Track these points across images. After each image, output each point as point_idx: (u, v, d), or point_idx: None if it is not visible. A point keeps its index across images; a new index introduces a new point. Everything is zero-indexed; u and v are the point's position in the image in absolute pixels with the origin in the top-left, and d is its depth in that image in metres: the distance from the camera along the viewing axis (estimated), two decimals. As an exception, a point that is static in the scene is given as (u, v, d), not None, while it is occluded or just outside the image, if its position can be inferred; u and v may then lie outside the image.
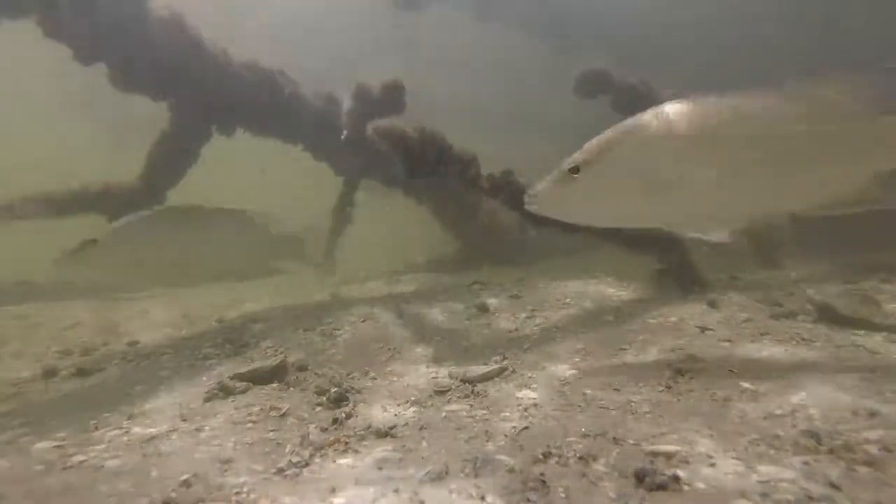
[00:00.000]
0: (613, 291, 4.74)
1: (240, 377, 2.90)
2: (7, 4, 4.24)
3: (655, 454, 1.81)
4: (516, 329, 3.84)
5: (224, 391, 2.76)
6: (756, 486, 1.59)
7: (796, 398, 2.28)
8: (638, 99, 6.10)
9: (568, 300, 4.49)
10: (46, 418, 2.65)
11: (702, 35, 9.50)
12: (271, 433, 2.23)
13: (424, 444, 2.03)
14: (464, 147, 4.54)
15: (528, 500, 1.55)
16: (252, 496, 1.68)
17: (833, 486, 1.57)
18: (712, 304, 4.03)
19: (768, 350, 3.00)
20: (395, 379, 2.96)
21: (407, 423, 2.26)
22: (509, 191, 4.49)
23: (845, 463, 1.71)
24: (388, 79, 5.55)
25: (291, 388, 2.83)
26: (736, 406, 2.24)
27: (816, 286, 4.57)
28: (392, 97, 5.51)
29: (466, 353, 3.34)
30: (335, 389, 2.64)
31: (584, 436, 2.00)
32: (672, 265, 4.78)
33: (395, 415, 2.39)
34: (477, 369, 2.89)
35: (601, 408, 2.31)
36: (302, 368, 3.14)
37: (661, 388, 2.51)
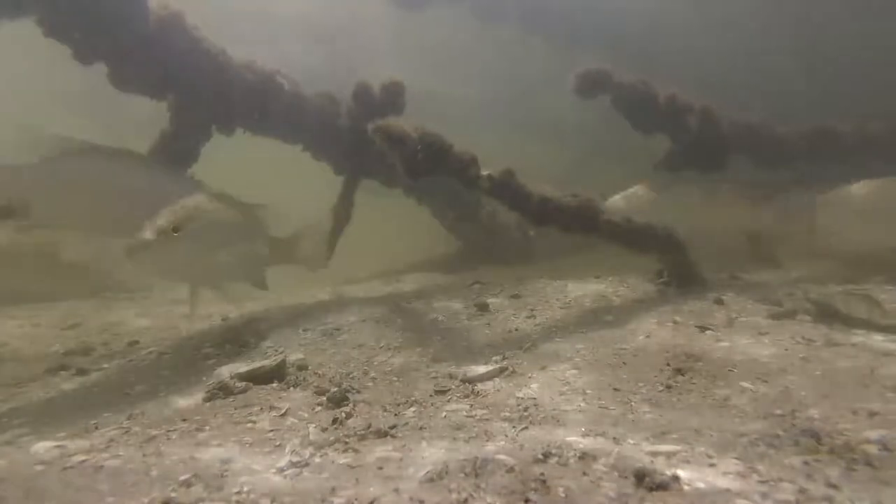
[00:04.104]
0: (613, 291, 4.74)
1: (240, 377, 2.90)
2: (7, 4, 4.24)
3: (655, 454, 1.81)
4: (516, 329, 3.84)
5: (224, 391, 2.76)
6: (756, 485, 1.59)
7: (796, 398, 2.28)
8: (638, 98, 6.10)
9: (568, 300, 4.49)
10: (46, 418, 2.65)
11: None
12: (271, 433, 2.23)
13: (424, 444, 2.03)
14: (464, 147, 4.54)
15: (528, 500, 1.55)
16: (252, 496, 1.68)
17: (833, 486, 1.58)
18: (712, 304, 4.04)
19: (768, 350, 3.00)
20: (396, 378, 2.96)
21: (407, 423, 2.26)
22: (509, 191, 4.49)
23: (845, 463, 1.71)
24: (388, 78, 5.55)
25: (291, 388, 2.83)
26: (736, 406, 2.25)
27: (816, 286, 4.57)
28: (391, 97, 5.50)
29: (466, 353, 3.34)
30: (335, 389, 2.64)
31: (585, 435, 2.00)
32: (672, 265, 4.78)
33: (396, 414, 2.40)
34: (477, 369, 2.89)
35: (601, 407, 2.31)
36: (302, 368, 3.14)
37: (661, 388, 2.51)
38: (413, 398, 2.61)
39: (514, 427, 2.13)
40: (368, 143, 4.62)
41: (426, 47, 12.62)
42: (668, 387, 2.52)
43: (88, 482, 1.83)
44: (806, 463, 1.71)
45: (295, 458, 1.94)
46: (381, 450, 1.98)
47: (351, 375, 3.04)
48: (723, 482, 1.62)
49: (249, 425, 2.33)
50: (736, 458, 1.76)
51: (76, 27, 4.45)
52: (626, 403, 2.34)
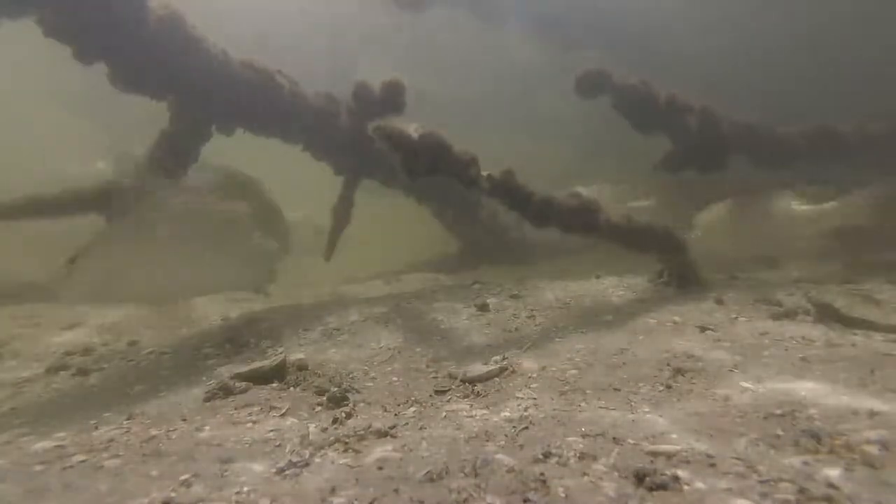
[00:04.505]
0: (613, 291, 4.74)
1: (240, 377, 2.90)
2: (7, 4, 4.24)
3: (655, 454, 1.81)
4: (516, 329, 3.84)
5: (224, 391, 2.76)
6: (756, 485, 1.59)
7: (796, 398, 2.28)
8: (638, 99, 6.10)
9: (568, 300, 4.49)
10: (46, 418, 2.65)
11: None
12: (271, 433, 2.22)
13: (424, 444, 2.03)
14: (464, 147, 4.54)
15: (528, 500, 1.55)
16: (252, 496, 1.68)
17: (833, 486, 1.57)
18: (712, 304, 4.04)
19: (768, 350, 3.00)
20: (396, 379, 2.96)
21: (407, 423, 2.26)
22: (510, 191, 4.49)
23: (845, 463, 1.71)
24: (389, 78, 5.55)
25: (291, 388, 2.83)
26: (736, 406, 2.24)
27: (816, 286, 4.57)
28: (392, 96, 5.50)
29: (466, 353, 3.33)
30: (335, 389, 2.64)
31: (585, 435, 2.00)
32: (672, 265, 4.78)
33: (396, 414, 2.39)
34: (477, 369, 2.89)
35: (601, 407, 2.31)
36: (302, 368, 3.14)
37: (661, 388, 2.51)
38: (413, 398, 2.60)
39: (514, 427, 2.12)
40: (368, 142, 4.63)
41: (426, 47, 12.62)
42: (669, 387, 2.52)
43: (88, 482, 1.83)
44: (806, 463, 1.71)
45: (295, 458, 1.94)
46: (381, 450, 1.98)
47: (351, 375, 3.04)
48: (723, 482, 1.62)
49: (249, 425, 2.33)
50: (736, 458, 1.76)
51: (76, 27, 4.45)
52: (626, 403, 2.33)
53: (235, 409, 2.55)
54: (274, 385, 2.87)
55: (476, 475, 1.71)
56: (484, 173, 4.41)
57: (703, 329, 3.46)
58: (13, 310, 6.28)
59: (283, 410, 2.48)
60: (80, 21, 4.42)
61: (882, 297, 3.78)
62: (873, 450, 1.77)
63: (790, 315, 3.70)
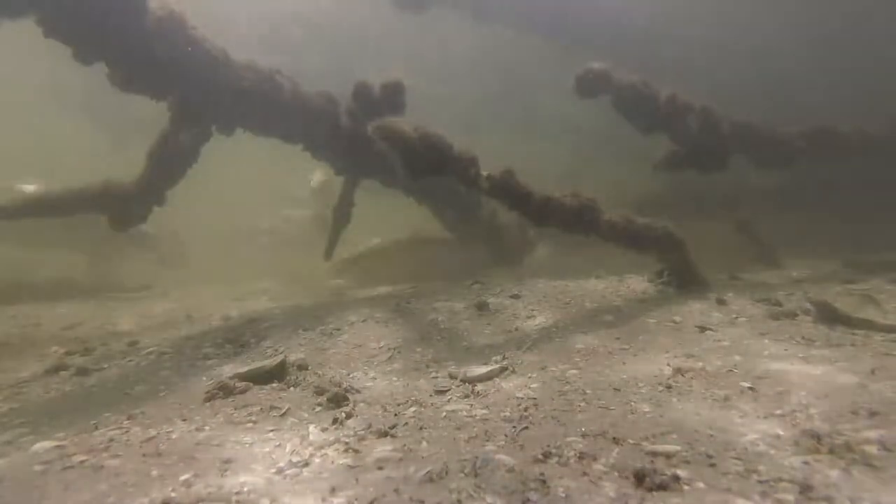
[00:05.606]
0: (613, 291, 4.74)
1: (240, 377, 2.90)
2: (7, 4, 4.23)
3: (655, 454, 1.81)
4: (516, 329, 3.84)
5: (224, 391, 2.76)
6: (756, 485, 1.59)
7: (796, 398, 2.28)
8: (638, 98, 6.09)
9: (568, 300, 4.49)
10: (46, 418, 2.65)
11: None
12: (271, 433, 2.23)
13: (424, 444, 2.03)
14: (464, 147, 4.53)
15: (528, 500, 1.55)
16: (252, 496, 1.68)
17: (833, 485, 1.57)
18: (712, 304, 4.04)
19: (768, 350, 3.00)
20: (395, 379, 2.96)
21: (407, 423, 2.26)
22: (509, 191, 4.48)
23: (845, 463, 1.71)
24: (389, 78, 5.54)
25: (291, 388, 2.83)
26: (736, 406, 2.24)
27: (816, 286, 4.57)
28: (392, 96, 5.50)
29: (466, 353, 3.34)
30: (335, 389, 2.64)
31: (584, 435, 2.00)
32: (672, 265, 4.78)
33: (396, 414, 2.40)
34: (477, 369, 2.89)
35: (601, 407, 2.31)
36: (302, 368, 3.14)
37: (661, 388, 2.51)
38: (413, 398, 2.61)
39: (514, 427, 2.13)
40: (368, 142, 4.63)
41: (427, 48, 12.62)
42: (669, 387, 2.52)
43: (88, 482, 1.83)
44: (806, 463, 1.71)
45: (295, 458, 1.94)
46: (381, 450, 1.98)
47: (351, 375, 3.04)
48: (723, 482, 1.62)
49: (249, 425, 2.33)
50: (736, 458, 1.76)
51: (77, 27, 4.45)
52: (626, 403, 2.34)
53: (235, 409, 2.55)
54: (274, 385, 2.88)
55: (476, 475, 1.71)
56: (483, 173, 4.40)
57: (703, 329, 3.46)
58: (13, 310, 6.29)
59: (283, 410, 2.49)
60: (80, 21, 4.41)
61: (882, 297, 3.78)
62: (873, 450, 1.77)
63: (790, 315, 3.70)
